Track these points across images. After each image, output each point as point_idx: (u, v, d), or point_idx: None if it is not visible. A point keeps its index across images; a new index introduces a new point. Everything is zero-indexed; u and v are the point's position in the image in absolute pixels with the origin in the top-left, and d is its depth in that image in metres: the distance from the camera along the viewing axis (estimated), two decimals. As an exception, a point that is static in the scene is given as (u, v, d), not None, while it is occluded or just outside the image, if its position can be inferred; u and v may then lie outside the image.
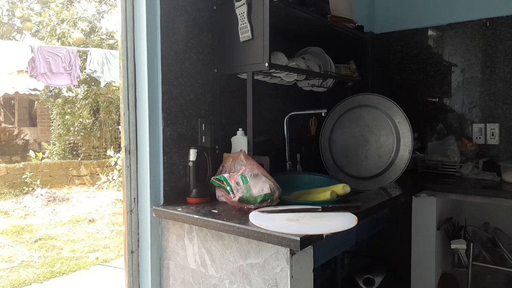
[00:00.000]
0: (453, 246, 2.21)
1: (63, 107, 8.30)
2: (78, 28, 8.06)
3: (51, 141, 8.74)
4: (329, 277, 2.17)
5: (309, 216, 1.44)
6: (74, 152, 8.67)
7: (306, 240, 1.24)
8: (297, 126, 2.49)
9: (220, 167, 1.78)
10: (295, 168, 2.30)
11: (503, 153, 2.50)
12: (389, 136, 2.24)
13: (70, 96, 8.34)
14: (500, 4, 2.48)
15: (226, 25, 1.85)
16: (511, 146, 2.48)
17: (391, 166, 2.21)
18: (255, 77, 1.90)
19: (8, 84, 9.75)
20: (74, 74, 6.23)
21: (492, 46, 2.52)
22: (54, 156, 8.37)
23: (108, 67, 6.39)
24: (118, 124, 8.50)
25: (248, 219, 1.40)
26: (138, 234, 1.71)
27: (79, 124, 8.39)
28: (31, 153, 8.22)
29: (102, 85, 7.20)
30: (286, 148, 2.27)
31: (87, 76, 7.50)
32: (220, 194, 1.69)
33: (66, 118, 8.31)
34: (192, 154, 1.67)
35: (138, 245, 1.72)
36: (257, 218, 1.39)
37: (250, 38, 1.74)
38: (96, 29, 8.60)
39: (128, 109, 1.69)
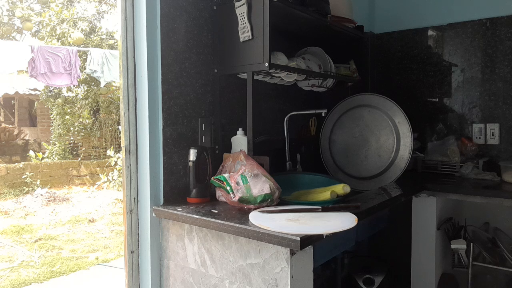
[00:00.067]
0: (453, 246, 2.21)
1: (63, 107, 8.30)
2: (78, 28, 8.06)
3: (51, 141, 8.74)
4: (329, 277, 2.17)
5: (309, 216, 1.44)
6: (74, 152, 8.67)
7: (306, 240, 1.24)
8: (297, 126, 2.49)
9: (220, 167, 1.78)
10: (295, 168, 2.30)
11: (503, 153, 2.50)
12: (389, 136, 2.24)
13: (70, 96, 8.34)
14: (500, 4, 2.48)
15: (226, 25, 1.85)
16: (511, 146, 2.48)
17: (391, 166, 2.21)
18: (255, 77, 1.90)
19: (8, 84, 9.75)
20: (74, 74, 6.23)
21: (492, 46, 2.52)
22: (54, 156, 8.37)
23: (108, 67, 6.40)
24: (118, 124, 8.50)
25: (248, 219, 1.40)
26: (138, 234, 1.72)
27: (79, 124, 8.39)
28: (31, 153, 8.22)
29: (102, 85, 7.20)
30: (286, 148, 2.27)
31: (87, 76, 7.50)
32: (220, 194, 1.69)
33: (66, 118, 8.31)
34: (192, 154, 1.67)
35: (138, 245, 1.72)
36: (257, 218, 1.39)
37: (250, 38, 1.74)
38: (96, 29, 8.60)
39: (128, 109, 1.69)
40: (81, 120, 8.39)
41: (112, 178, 7.38)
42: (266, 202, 1.51)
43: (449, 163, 2.49)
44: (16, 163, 7.51)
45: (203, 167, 1.68)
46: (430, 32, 2.75)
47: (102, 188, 7.49)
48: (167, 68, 1.69)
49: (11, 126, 10.27)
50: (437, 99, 2.73)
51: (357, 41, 2.57)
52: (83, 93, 8.27)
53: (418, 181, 2.29)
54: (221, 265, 1.49)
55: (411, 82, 2.81)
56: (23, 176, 7.19)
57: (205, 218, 1.45)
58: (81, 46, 7.50)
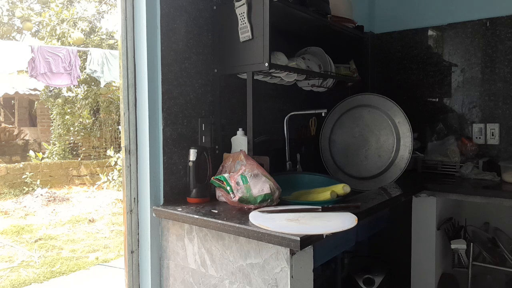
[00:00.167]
0: (453, 246, 2.21)
1: (63, 107, 8.30)
2: (78, 28, 8.06)
3: (51, 141, 8.74)
4: (329, 277, 2.17)
5: (309, 216, 1.44)
6: (74, 152, 8.67)
7: (306, 240, 1.24)
8: (297, 126, 2.49)
9: (220, 167, 1.78)
10: (295, 168, 2.30)
11: (503, 153, 2.50)
12: (389, 136, 2.24)
13: (70, 96, 8.34)
14: (500, 4, 2.48)
15: (226, 25, 1.85)
16: (511, 146, 2.48)
17: (391, 166, 2.21)
18: (255, 77, 1.90)
19: (8, 84, 9.75)
20: (74, 74, 6.23)
21: (492, 46, 2.52)
22: (54, 156, 8.37)
23: (108, 67, 6.40)
24: (118, 124, 8.50)
25: (248, 219, 1.40)
26: (138, 234, 1.71)
27: (79, 124, 8.39)
28: (31, 153, 8.22)
29: (102, 85, 7.20)
30: (286, 148, 2.27)
31: (87, 76, 7.50)
32: (220, 194, 1.69)
33: (66, 118, 8.31)
34: (192, 154, 1.67)
35: (138, 245, 1.72)
36: (257, 218, 1.39)
37: (250, 38, 1.74)
38: (96, 29, 8.60)
39: (128, 109, 1.69)
40: (81, 120, 8.39)
41: (112, 178, 7.38)
42: (266, 202, 1.51)
43: (449, 163, 2.49)
44: (16, 163, 7.51)
45: (203, 167, 1.68)
46: (430, 32, 2.75)
47: (102, 188, 7.49)
48: (167, 68, 1.69)
49: (11, 126, 10.28)
50: (437, 99, 2.73)
51: (357, 41, 2.57)
52: (83, 93, 8.27)
53: (418, 181, 2.29)
54: (221, 265, 1.49)
55: (411, 82, 2.81)
56: (23, 176, 7.20)
57: (205, 218, 1.45)
58: (81, 46, 7.50)
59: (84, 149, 8.67)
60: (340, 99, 2.43)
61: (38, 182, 7.27)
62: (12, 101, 11.67)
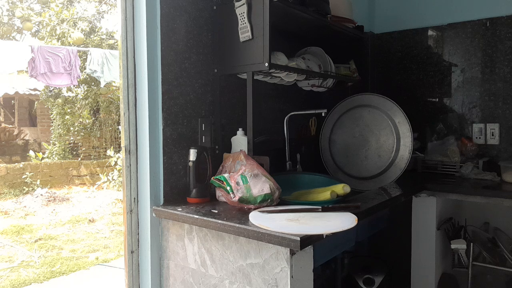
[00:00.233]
0: (453, 246, 2.21)
1: (63, 107, 8.30)
2: (78, 28, 8.06)
3: (51, 141, 8.74)
4: (329, 277, 2.17)
5: (309, 216, 1.44)
6: (74, 152, 8.67)
7: (306, 240, 1.24)
8: (297, 126, 2.49)
9: (220, 167, 1.78)
10: (295, 168, 2.30)
11: (503, 153, 2.50)
12: (389, 136, 2.24)
13: (70, 96, 8.34)
14: (500, 4, 2.48)
15: (226, 25, 1.85)
16: (511, 146, 2.48)
17: (391, 166, 2.21)
18: (255, 77, 1.90)
19: (8, 84, 9.75)
20: (74, 74, 6.23)
21: (492, 46, 2.52)
22: (54, 156, 8.37)
23: (108, 67, 6.40)
24: (118, 124, 8.50)
25: (248, 219, 1.40)
26: (138, 234, 1.72)
27: (79, 124, 8.39)
28: (31, 153, 8.22)
29: (102, 85, 7.21)
30: (286, 148, 2.27)
31: (87, 76, 7.50)
32: (220, 194, 1.69)
33: (66, 118, 8.31)
34: (192, 154, 1.67)
35: (138, 245, 1.72)
36: (257, 218, 1.39)
37: (250, 38, 1.74)
38: (96, 29, 8.60)
39: (128, 109, 1.69)
40: (81, 120, 8.39)
41: (112, 178, 7.38)
42: (266, 202, 1.51)
43: (449, 163, 2.49)
44: (16, 163, 7.51)
45: (203, 167, 1.68)
46: (430, 32, 2.75)
47: (102, 188, 7.49)
48: (167, 68, 1.69)
49: (11, 126, 10.28)
50: (437, 99, 2.73)
51: (357, 41, 2.57)
52: (83, 93, 8.27)
53: (418, 181, 2.29)
54: (221, 265, 1.49)
55: (411, 82, 2.81)
56: (23, 176, 7.20)
57: (205, 218, 1.45)
58: (81, 46, 7.50)
59: (84, 149, 8.67)
60: (340, 99, 2.43)
61: (38, 182, 7.27)
62: (12, 101, 11.67)
